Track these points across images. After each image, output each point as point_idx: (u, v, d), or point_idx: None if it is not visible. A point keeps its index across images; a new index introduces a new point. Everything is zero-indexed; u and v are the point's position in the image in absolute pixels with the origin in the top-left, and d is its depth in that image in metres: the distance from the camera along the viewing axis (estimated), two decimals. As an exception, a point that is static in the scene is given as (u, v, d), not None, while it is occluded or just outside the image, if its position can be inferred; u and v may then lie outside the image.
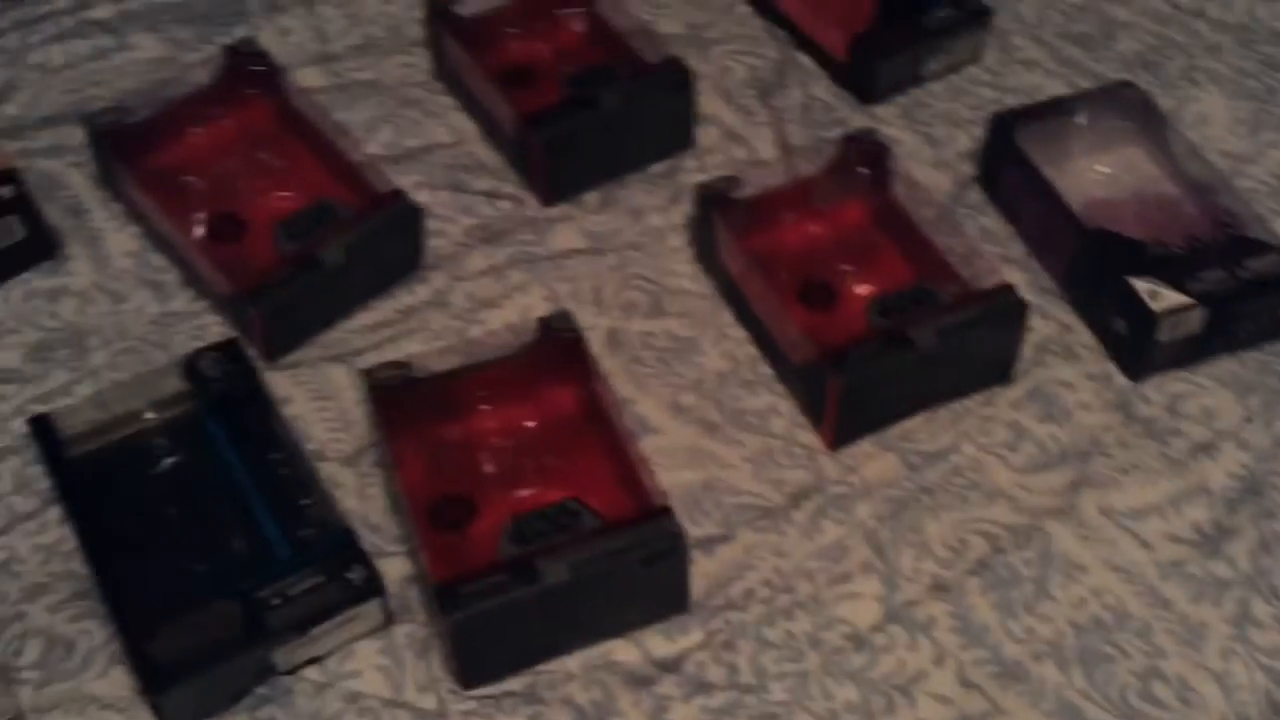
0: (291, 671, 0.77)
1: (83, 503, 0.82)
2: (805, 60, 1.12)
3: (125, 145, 0.98)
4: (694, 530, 0.83)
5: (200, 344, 0.90)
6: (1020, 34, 1.15)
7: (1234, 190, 0.97)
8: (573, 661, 0.77)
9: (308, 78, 1.09)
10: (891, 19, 1.11)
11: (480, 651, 0.76)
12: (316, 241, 0.91)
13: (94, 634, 0.79)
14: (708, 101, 1.08)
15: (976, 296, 0.88)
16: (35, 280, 0.96)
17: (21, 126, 1.06)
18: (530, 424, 0.87)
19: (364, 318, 0.95)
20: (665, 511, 0.77)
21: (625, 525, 0.76)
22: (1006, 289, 0.88)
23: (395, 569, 0.81)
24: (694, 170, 1.04)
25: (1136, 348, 0.89)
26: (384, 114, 1.08)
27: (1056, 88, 1.09)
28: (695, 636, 0.79)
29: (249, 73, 1.02)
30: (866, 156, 0.98)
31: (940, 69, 1.11)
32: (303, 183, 0.98)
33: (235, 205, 0.98)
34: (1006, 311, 0.88)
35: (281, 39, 1.12)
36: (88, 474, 0.84)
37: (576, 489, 0.82)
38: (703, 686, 0.77)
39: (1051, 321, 0.94)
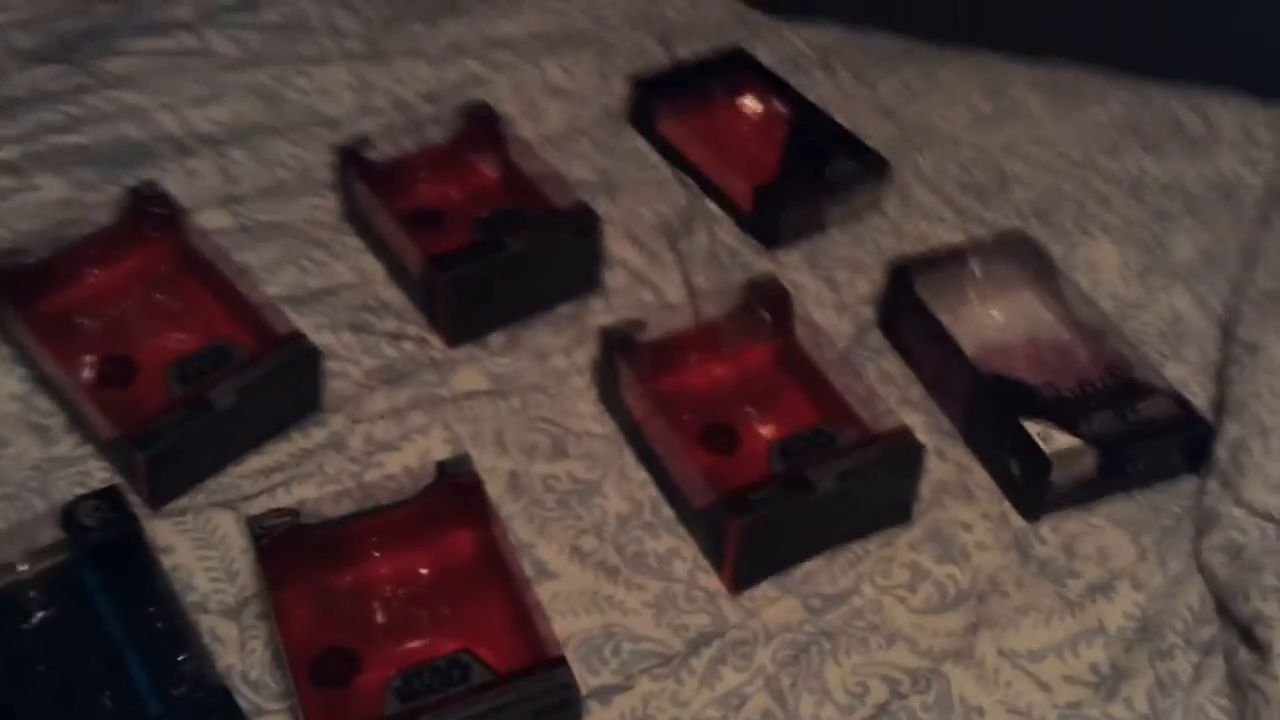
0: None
1: (-53, 659, 0.78)
2: (712, 207, 1.15)
3: (17, 287, 0.96)
4: (591, 679, 0.80)
5: (83, 491, 0.87)
6: (920, 184, 1.18)
7: (1123, 335, 1.00)
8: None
9: (213, 219, 1.09)
10: (796, 169, 1.14)
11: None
12: (208, 384, 0.90)
13: (-51, 801, 0.74)
14: (616, 244, 1.09)
15: (874, 439, 0.88)
16: (-83, 423, 0.93)
17: (-86, 267, 1.04)
18: (424, 571, 0.84)
19: (256, 461, 0.92)
20: (557, 662, 0.74)
21: (515, 678, 0.74)
22: (904, 432, 0.88)
23: (276, 727, 0.78)
24: (601, 312, 1.04)
25: (1031, 489, 0.90)
26: (289, 255, 1.07)
27: (953, 235, 1.12)
28: (588, 793, 0.76)
29: (149, 214, 1.01)
30: (769, 301, 0.99)
31: (842, 217, 1.14)
32: (200, 325, 0.97)
33: (129, 348, 0.96)
34: (904, 454, 0.88)
35: (189, 180, 1.12)
36: (-46, 628, 0.80)
37: (470, 639, 0.79)
38: (594, 847, 0.74)
39: (949, 463, 0.94)
